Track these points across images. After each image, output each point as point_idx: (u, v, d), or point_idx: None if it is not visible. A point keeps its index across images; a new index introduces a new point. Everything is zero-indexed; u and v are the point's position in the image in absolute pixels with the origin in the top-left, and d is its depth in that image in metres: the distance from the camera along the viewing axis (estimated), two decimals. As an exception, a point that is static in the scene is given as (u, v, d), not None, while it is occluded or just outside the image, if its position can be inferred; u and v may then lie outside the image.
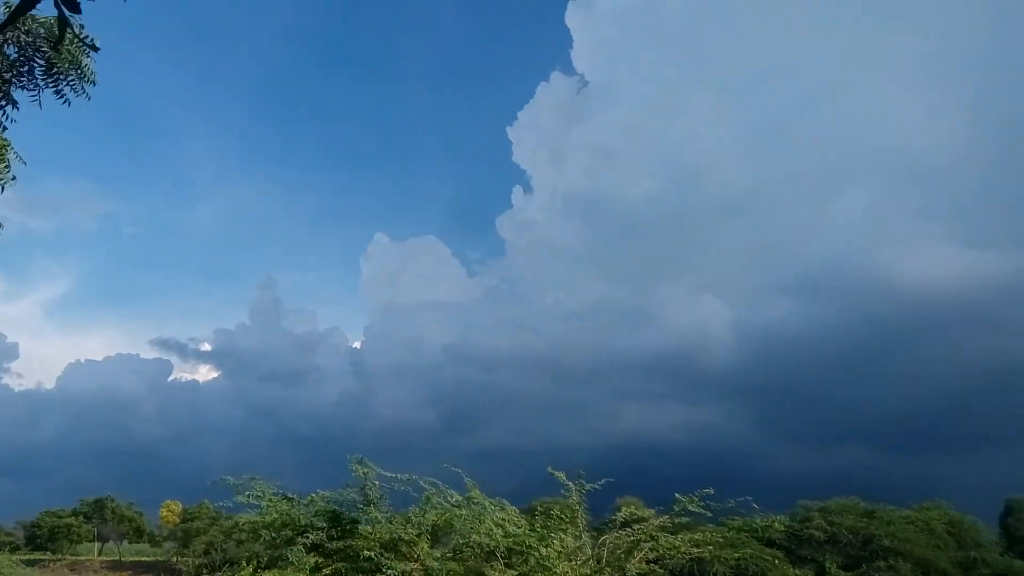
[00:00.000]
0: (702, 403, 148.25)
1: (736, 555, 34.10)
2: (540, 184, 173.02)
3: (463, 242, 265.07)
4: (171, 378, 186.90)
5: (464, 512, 13.26)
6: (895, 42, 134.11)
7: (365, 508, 13.23)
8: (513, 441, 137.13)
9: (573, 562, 12.93)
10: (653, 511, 16.39)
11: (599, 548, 13.70)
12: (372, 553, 12.34)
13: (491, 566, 13.41)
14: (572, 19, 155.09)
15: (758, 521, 13.93)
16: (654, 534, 13.36)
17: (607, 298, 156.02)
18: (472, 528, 13.08)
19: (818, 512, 42.31)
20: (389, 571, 12.09)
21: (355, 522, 13.30)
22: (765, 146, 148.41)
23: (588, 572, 12.78)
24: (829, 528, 41.23)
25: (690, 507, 13.16)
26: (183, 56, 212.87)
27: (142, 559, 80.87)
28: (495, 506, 13.62)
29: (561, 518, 13.40)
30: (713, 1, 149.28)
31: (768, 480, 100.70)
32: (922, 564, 39.76)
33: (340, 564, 13.36)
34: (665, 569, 34.18)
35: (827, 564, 39.63)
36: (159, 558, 78.31)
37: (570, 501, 13.77)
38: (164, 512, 79.15)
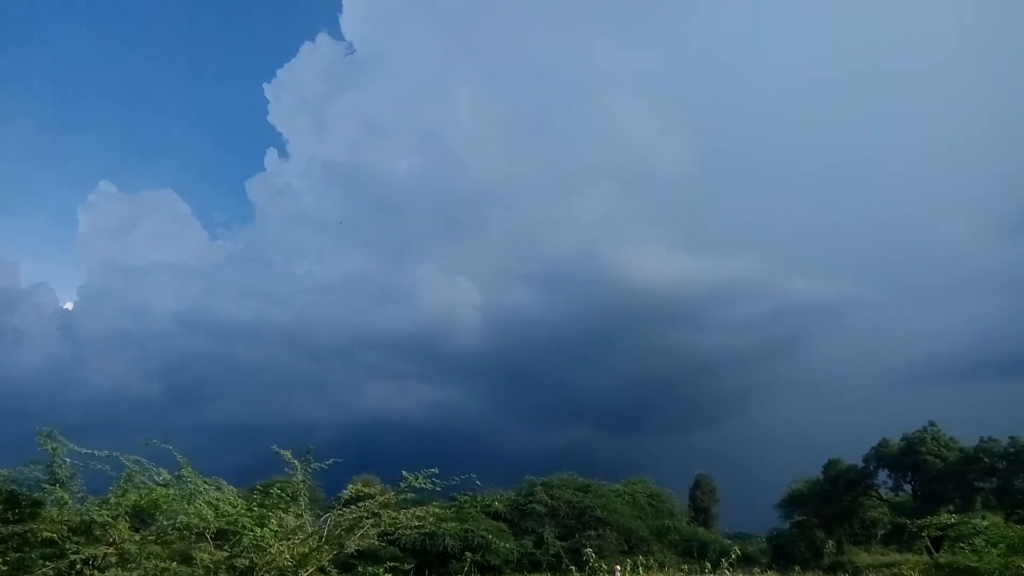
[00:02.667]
0: (446, 383, 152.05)
1: (463, 528, 35.85)
2: (297, 149, 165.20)
3: (206, 201, 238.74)
4: None
5: (173, 492, 12.27)
6: (638, 59, 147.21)
7: (51, 488, 11.69)
8: (250, 417, 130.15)
9: (291, 541, 12.53)
10: (379, 487, 16.48)
11: (321, 526, 13.42)
12: (55, 535, 10.95)
13: (199, 548, 12.58)
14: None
15: (479, 497, 14.50)
16: (377, 511, 13.35)
17: (360, 273, 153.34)
18: (181, 509, 12.16)
19: (541, 487, 45.35)
20: (75, 556, 10.81)
21: (38, 504, 11.72)
22: (520, 140, 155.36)
23: (306, 551, 12.45)
24: (550, 501, 44.38)
25: (416, 484, 13.30)
26: None
27: None
28: (210, 485, 12.77)
29: (281, 496, 12.90)
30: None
31: (503, 457, 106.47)
32: (625, 532, 44.38)
33: (22, 550, 11.74)
34: (397, 545, 34.95)
35: (546, 534, 42.66)
36: None
37: (294, 480, 13.32)
38: None
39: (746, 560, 43.92)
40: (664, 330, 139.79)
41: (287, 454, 13.62)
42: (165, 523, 12.37)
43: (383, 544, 24.10)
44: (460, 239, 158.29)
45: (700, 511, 60.05)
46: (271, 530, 11.87)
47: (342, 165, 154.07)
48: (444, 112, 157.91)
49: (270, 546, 11.72)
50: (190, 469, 12.34)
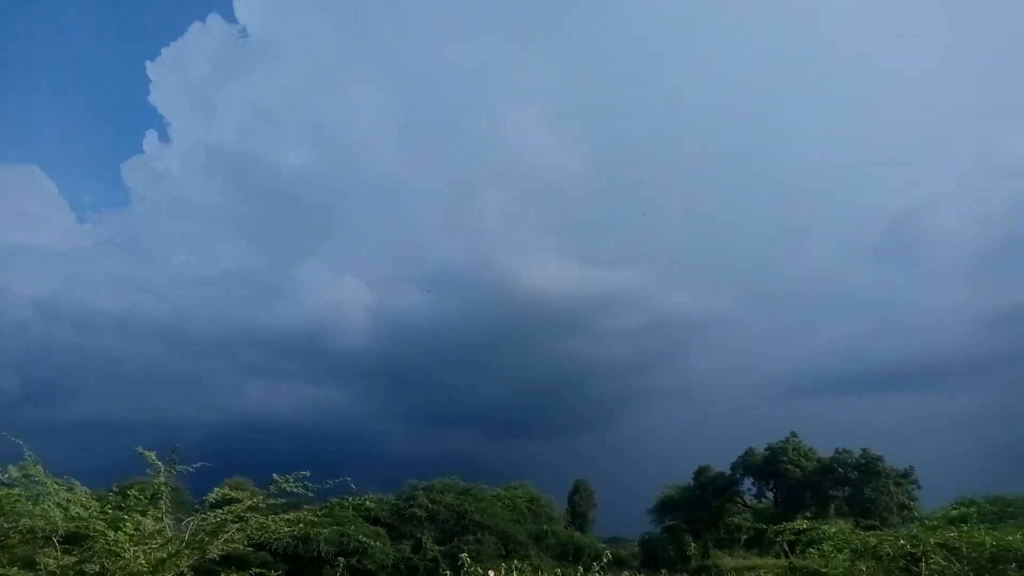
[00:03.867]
0: (330, 383, 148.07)
1: (332, 533, 35.08)
2: (181, 134, 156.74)
3: (76, 182, 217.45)
4: None
5: (17, 492, 11.38)
6: (539, 68, 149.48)
7: None
8: (115, 415, 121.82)
9: (148, 545, 11.88)
10: (250, 490, 15.91)
11: (182, 530, 12.80)
12: None
13: (45, 553, 11.74)
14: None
15: (350, 499, 14.15)
16: (243, 515, 12.85)
17: (244, 267, 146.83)
18: (26, 510, 11.30)
19: (423, 491, 45.15)
20: None
21: None
22: (417, 140, 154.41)
23: (164, 556, 11.82)
24: (431, 505, 44.22)
25: (286, 487, 12.91)
26: None
27: None
28: (60, 485, 11.92)
29: (139, 499, 12.20)
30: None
31: (387, 460, 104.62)
32: (504, 537, 44.74)
33: None
34: (268, 550, 33.81)
35: (424, 539, 42.45)
36: None
37: (155, 481, 12.63)
38: None
39: (619, 564, 45.22)
40: (552, 337, 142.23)
41: (151, 455, 12.92)
42: (6, 526, 11.45)
43: (252, 549, 23.30)
44: (351, 237, 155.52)
45: (578, 516, 61.20)
46: (126, 534, 11.22)
47: (229, 152, 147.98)
48: (340, 105, 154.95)
49: (124, 551, 11.07)
50: (39, 468, 11.47)
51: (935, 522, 16.34)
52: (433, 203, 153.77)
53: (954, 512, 16.62)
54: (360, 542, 34.49)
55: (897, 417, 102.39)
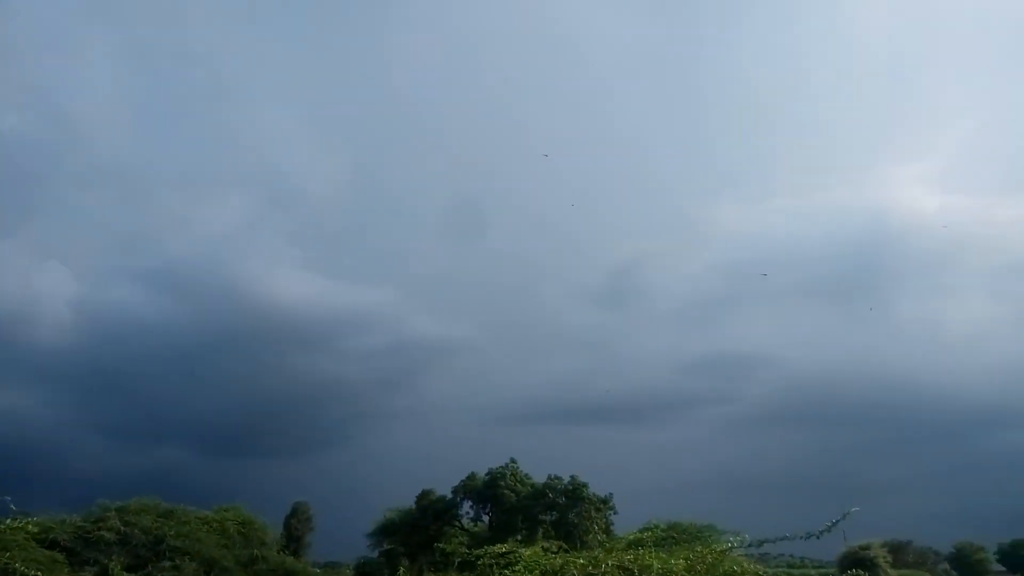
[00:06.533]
0: (14, 384, 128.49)
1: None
2: None
3: None
4: None
5: None
6: (302, 68, 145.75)
7: None
8: None
9: None
10: None
11: None
12: None
13: None
14: None
15: (7, 522, 12.06)
16: None
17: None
18: None
19: (115, 512, 40.59)
20: None
21: None
22: (156, 125, 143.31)
23: None
24: (123, 528, 39.83)
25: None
26: None
27: None
28: None
29: None
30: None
31: (82, 477, 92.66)
32: (207, 563, 41.43)
33: None
34: None
35: (111, 566, 38.06)
36: None
37: None
38: None
39: (330, 589, 44.06)
40: (288, 351, 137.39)
41: None
42: None
43: None
44: (60, 218, 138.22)
45: (294, 540, 58.94)
46: None
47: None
48: (65, 70, 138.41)
49: None
50: None
51: (615, 545, 17.95)
52: (166, 194, 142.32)
53: (632, 537, 18.42)
54: (26, 571, 29.87)
55: (606, 447, 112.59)
